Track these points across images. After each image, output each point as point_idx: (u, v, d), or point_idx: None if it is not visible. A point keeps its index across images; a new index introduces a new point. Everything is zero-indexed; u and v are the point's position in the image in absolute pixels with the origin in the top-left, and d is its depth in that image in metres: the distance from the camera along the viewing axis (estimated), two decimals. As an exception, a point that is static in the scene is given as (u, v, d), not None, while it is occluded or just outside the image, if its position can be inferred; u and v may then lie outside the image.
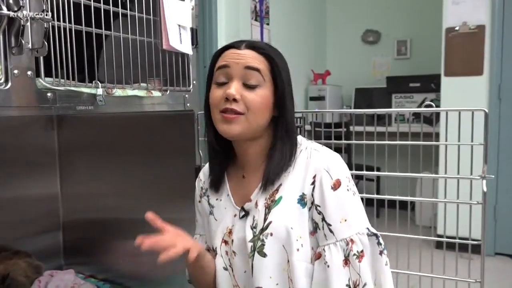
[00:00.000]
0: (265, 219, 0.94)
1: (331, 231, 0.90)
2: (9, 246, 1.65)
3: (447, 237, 1.56)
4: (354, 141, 1.57)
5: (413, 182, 1.80)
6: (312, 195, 0.92)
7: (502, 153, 3.12)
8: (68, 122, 1.88)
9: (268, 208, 0.95)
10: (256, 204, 0.97)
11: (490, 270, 2.86)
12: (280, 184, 0.95)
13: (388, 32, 4.54)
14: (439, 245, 1.75)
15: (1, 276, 1.46)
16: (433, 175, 1.53)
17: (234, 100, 0.91)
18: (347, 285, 0.89)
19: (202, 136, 1.62)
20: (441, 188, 1.62)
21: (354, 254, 0.89)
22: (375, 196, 1.57)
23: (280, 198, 0.94)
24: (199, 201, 1.12)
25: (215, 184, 1.05)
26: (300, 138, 1.01)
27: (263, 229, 0.94)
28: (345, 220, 0.90)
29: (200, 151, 1.51)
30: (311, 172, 0.93)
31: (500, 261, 3.11)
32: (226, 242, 1.01)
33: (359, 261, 0.89)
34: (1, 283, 1.45)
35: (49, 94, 0.99)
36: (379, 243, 0.92)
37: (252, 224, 0.96)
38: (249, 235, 0.95)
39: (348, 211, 0.91)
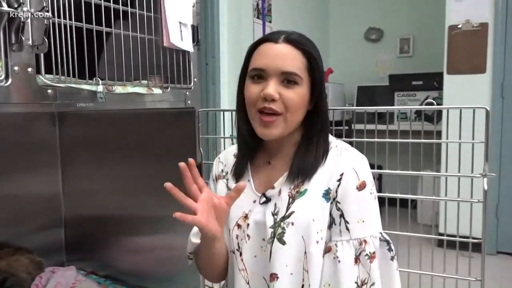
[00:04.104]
0: (287, 208, 0.95)
1: (347, 228, 0.92)
2: (11, 243, 1.66)
3: (449, 236, 1.56)
4: (355, 139, 1.56)
5: (415, 180, 1.80)
6: (336, 191, 0.93)
7: (505, 152, 3.12)
8: (70, 119, 1.88)
9: (292, 198, 0.95)
10: (280, 192, 0.97)
11: (492, 268, 2.86)
12: (307, 178, 0.96)
13: (391, 30, 4.53)
14: (440, 243, 1.74)
15: (2, 276, 1.46)
16: (434, 173, 1.53)
17: (273, 100, 0.91)
18: (355, 282, 0.90)
19: (203, 133, 1.63)
20: (443, 187, 1.61)
21: (366, 255, 0.91)
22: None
23: (306, 190, 0.95)
24: (215, 181, 1.11)
25: (239, 172, 1.05)
26: (330, 136, 1.02)
27: (284, 217, 0.95)
28: (363, 221, 0.92)
29: (201, 149, 1.52)
30: (339, 169, 0.94)
31: (502, 259, 3.11)
32: (239, 226, 1.01)
33: (370, 262, 0.91)
34: (2, 283, 1.45)
35: (49, 91, 0.99)
36: (390, 249, 0.95)
37: (274, 211, 0.96)
38: (270, 221, 0.96)
39: (366, 213, 0.93)
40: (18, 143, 1.74)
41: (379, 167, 1.83)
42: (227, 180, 1.09)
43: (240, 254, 1.00)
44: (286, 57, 0.92)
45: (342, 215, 0.93)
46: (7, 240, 1.66)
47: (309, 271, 0.93)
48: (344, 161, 0.95)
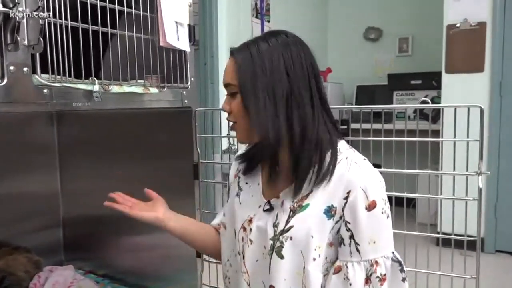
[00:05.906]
0: (287, 222, 0.94)
1: (358, 250, 0.90)
2: (9, 242, 1.66)
3: (446, 234, 1.56)
4: (353, 137, 1.57)
5: (414, 180, 1.80)
6: (343, 209, 0.90)
7: (503, 150, 3.12)
8: (67, 118, 1.89)
9: (293, 212, 0.94)
10: (283, 203, 0.96)
11: (491, 267, 2.87)
12: (311, 191, 0.93)
13: (389, 29, 4.53)
14: (439, 242, 1.75)
15: (0, 275, 1.47)
16: (429, 171, 1.53)
17: (228, 112, 0.99)
18: None
19: (200, 133, 1.63)
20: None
21: (377, 277, 0.89)
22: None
23: (307, 205, 0.93)
24: (232, 181, 1.13)
25: (247, 171, 1.08)
26: (341, 146, 0.96)
27: (283, 231, 0.94)
28: (374, 242, 0.89)
29: (198, 148, 1.52)
30: (346, 186, 0.89)
31: (501, 258, 3.12)
32: (244, 229, 1.02)
33: (381, 284, 0.89)
34: (0, 281, 1.46)
35: (45, 91, 0.99)
36: (402, 270, 0.93)
37: (275, 222, 0.96)
38: (270, 232, 0.96)
39: (378, 234, 0.90)
40: (16, 143, 1.74)
41: (378, 166, 1.83)
42: (239, 178, 1.10)
43: (243, 257, 1.01)
44: (226, 70, 0.98)
45: (352, 236, 0.89)
46: (5, 239, 1.67)
47: (307, 287, 0.91)
48: (352, 178, 0.89)
